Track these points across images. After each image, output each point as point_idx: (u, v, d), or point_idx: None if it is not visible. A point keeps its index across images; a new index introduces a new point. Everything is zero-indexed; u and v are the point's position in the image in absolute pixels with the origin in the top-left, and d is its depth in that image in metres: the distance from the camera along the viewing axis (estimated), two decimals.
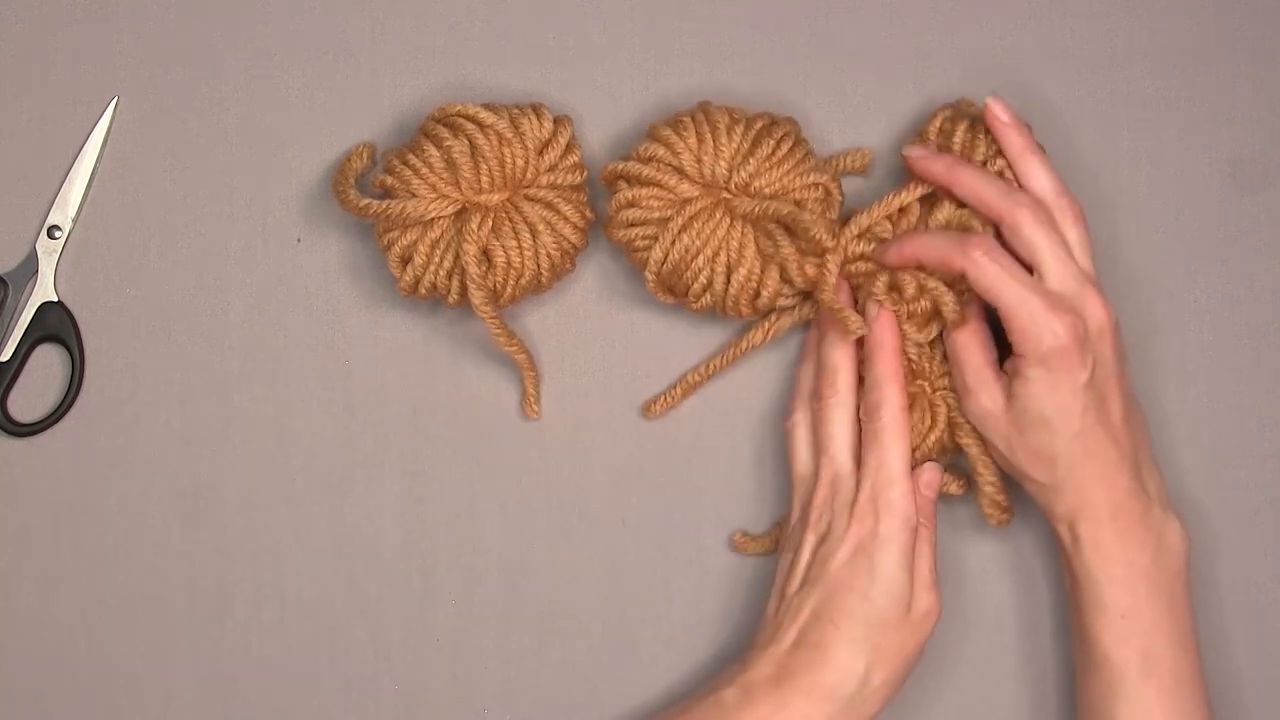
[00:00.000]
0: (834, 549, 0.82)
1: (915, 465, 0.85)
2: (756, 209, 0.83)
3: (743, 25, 0.92)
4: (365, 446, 0.90)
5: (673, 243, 0.84)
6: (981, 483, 0.85)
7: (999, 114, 0.85)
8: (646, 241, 0.85)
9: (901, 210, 0.86)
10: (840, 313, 0.84)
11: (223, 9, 0.91)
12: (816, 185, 0.85)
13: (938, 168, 0.84)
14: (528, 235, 0.85)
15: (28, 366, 0.90)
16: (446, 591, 0.89)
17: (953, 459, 0.87)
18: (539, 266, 0.85)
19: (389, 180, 0.85)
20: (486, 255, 0.84)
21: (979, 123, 0.87)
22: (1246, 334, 0.91)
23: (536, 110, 0.86)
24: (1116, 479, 0.82)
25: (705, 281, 0.85)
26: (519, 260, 0.85)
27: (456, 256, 0.84)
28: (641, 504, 0.90)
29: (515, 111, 0.86)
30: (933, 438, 0.85)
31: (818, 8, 0.92)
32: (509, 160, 0.85)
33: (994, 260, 0.81)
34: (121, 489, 0.89)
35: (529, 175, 0.85)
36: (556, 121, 0.86)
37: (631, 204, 0.85)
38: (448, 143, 0.84)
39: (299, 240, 0.91)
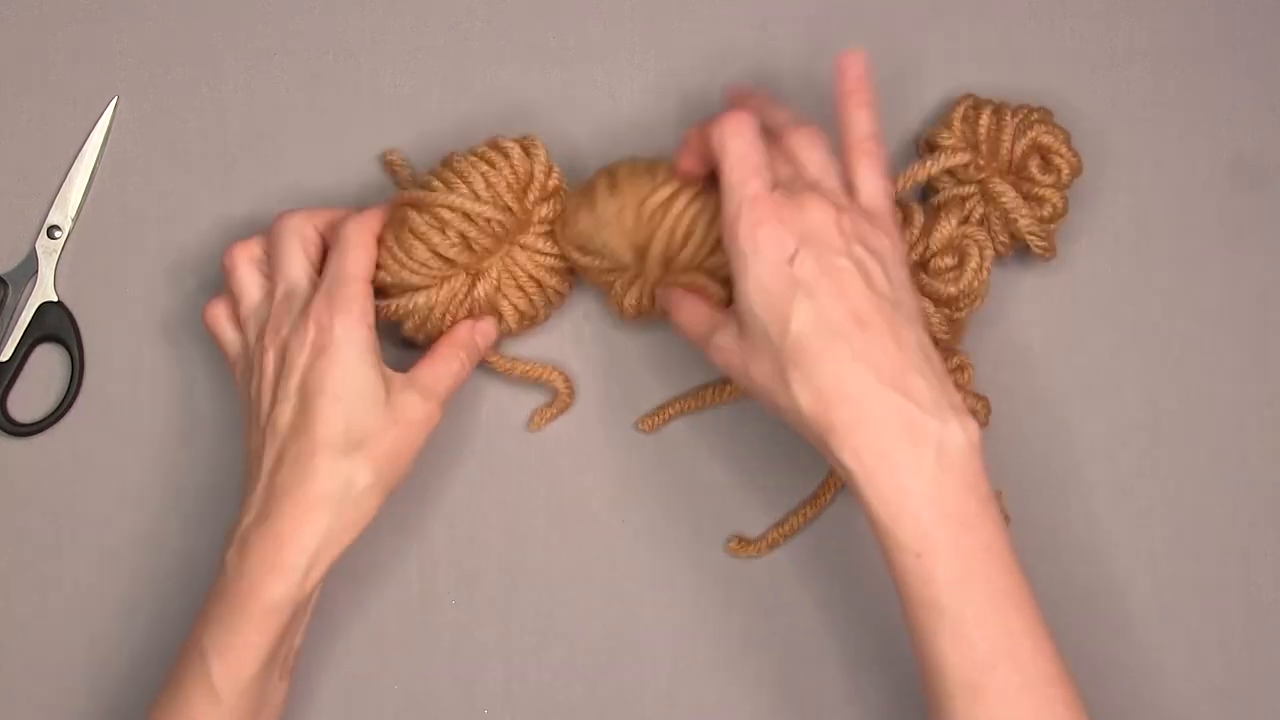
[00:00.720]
0: (296, 356, 0.79)
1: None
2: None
3: (743, 25, 0.92)
4: None
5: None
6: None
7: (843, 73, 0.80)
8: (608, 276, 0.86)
9: (906, 218, 0.87)
10: None
11: (223, 9, 0.92)
12: None
13: (707, 139, 0.79)
14: (532, 284, 0.85)
15: (28, 366, 0.90)
16: (446, 591, 0.89)
17: None
18: (549, 301, 0.86)
19: (383, 276, 0.83)
20: (495, 308, 0.85)
21: (1003, 108, 0.87)
22: (1246, 334, 0.91)
23: (506, 153, 0.84)
24: (869, 390, 0.74)
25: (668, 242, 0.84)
26: (528, 306, 0.86)
27: (470, 309, 0.85)
28: (641, 504, 0.90)
29: (488, 170, 0.83)
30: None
31: (818, 8, 0.92)
32: (500, 229, 0.84)
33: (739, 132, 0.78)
34: (121, 489, 0.89)
35: (521, 228, 0.85)
36: (527, 150, 0.84)
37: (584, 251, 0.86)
38: (435, 240, 0.83)
39: None
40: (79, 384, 0.90)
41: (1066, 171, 0.87)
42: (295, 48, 0.91)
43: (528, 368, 0.88)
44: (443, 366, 0.83)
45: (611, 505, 0.90)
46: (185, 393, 0.90)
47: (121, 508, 0.89)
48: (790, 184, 0.78)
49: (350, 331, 0.79)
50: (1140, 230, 0.91)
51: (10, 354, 0.90)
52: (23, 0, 0.91)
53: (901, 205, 0.87)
